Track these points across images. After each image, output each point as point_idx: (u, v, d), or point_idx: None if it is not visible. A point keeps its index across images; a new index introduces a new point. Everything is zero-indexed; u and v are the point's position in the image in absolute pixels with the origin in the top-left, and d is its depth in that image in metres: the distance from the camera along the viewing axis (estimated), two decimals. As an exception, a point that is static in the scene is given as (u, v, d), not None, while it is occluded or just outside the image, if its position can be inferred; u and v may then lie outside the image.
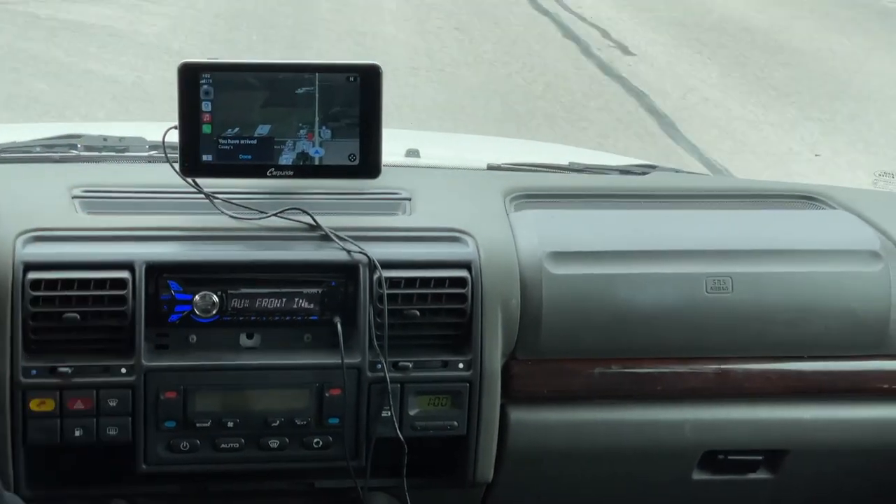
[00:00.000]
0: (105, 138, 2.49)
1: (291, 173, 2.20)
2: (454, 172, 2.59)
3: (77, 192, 2.22)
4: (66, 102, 7.17)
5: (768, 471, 2.37)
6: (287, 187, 2.24)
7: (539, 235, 2.25)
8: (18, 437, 2.06)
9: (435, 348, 2.17)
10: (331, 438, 2.15)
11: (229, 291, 2.11)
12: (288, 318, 2.13)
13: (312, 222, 2.16)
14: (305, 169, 2.20)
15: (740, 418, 2.33)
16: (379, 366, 2.12)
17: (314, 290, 2.13)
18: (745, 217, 2.43)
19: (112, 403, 2.07)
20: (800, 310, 2.28)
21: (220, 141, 2.17)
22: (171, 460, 2.12)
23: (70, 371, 2.06)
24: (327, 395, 2.13)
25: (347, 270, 2.13)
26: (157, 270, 2.08)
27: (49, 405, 2.06)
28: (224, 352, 2.12)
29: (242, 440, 2.13)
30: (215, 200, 2.18)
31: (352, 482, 2.19)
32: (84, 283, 2.05)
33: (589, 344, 2.25)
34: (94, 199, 2.21)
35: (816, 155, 6.45)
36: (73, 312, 2.04)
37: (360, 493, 2.20)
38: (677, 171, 2.75)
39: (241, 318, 2.12)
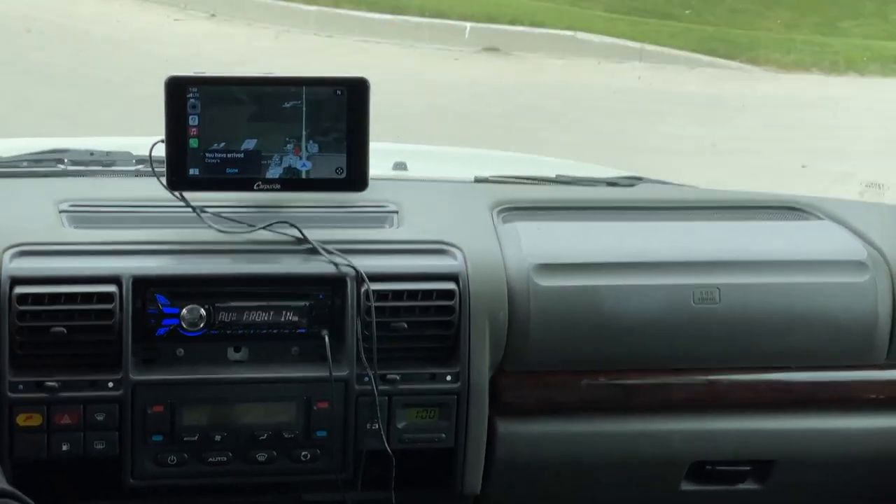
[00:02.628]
0: (92, 153, 2.48)
1: (279, 187, 2.20)
2: (441, 185, 2.59)
3: (64, 206, 2.22)
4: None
5: (756, 481, 2.38)
6: (274, 201, 2.24)
7: (526, 247, 2.25)
8: (5, 452, 2.06)
9: (423, 361, 2.17)
10: (318, 451, 2.15)
11: (217, 305, 2.11)
12: (275, 331, 2.13)
13: (300, 235, 2.16)
14: (293, 182, 2.20)
15: (728, 429, 2.33)
16: (367, 378, 2.12)
17: (302, 304, 2.13)
18: (733, 228, 2.43)
19: (99, 418, 2.07)
20: (787, 320, 2.28)
21: (207, 155, 2.17)
22: (159, 474, 2.12)
23: (57, 385, 2.05)
24: (315, 408, 2.13)
25: (335, 283, 2.13)
26: (144, 284, 2.08)
27: (36, 420, 2.05)
28: (211, 365, 2.12)
29: (230, 454, 2.13)
30: (202, 214, 2.18)
31: (340, 495, 2.19)
32: (71, 298, 2.05)
33: (577, 356, 2.25)
34: (80, 214, 2.21)
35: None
36: (59, 327, 2.03)
37: None
38: (664, 182, 2.75)
39: (228, 332, 2.12)
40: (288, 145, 2.19)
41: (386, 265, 2.16)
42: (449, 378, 2.17)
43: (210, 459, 2.12)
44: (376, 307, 2.11)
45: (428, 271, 2.17)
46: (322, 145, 2.20)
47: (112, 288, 2.06)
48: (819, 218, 2.47)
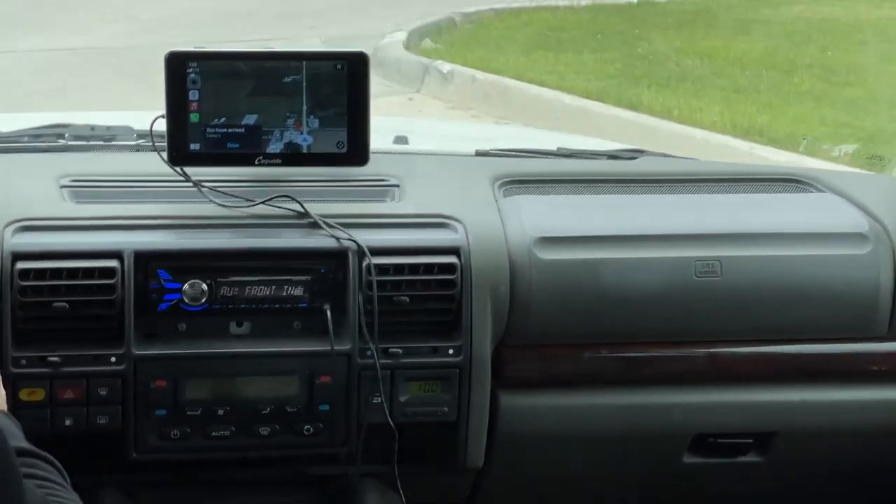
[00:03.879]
0: (93, 127, 2.48)
1: (279, 161, 2.20)
2: (442, 159, 2.59)
3: (65, 181, 2.22)
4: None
5: (758, 453, 2.38)
6: (275, 175, 2.24)
7: (528, 221, 2.25)
8: None
9: (425, 334, 2.18)
10: (321, 425, 2.15)
11: (218, 279, 2.11)
12: (277, 305, 2.13)
13: (301, 210, 2.16)
14: (294, 157, 2.20)
15: (730, 401, 2.33)
16: (369, 352, 2.12)
17: (303, 278, 2.13)
18: (734, 200, 2.43)
19: (102, 392, 2.08)
20: (788, 293, 2.28)
21: (208, 129, 2.17)
22: (162, 448, 2.12)
23: (60, 360, 2.06)
24: (317, 382, 2.13)
25: (336, 257, 2.13)
26: (145, 259, 2.08)
27: (39, 394, 2.06)
28: (214, 340, 2.12)
29: (233, 428, 2.13)
30: (203, 189, 2.18)
31: (343, 469, 2.19)
32: (73, 273, 2.05)
33: (578, 329, 2.25)
34: (82, 189, 2.21)
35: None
36: (62, 302, 2.04)
37: (351, 479, 2.21)
38: (666, 155, 2.75)
39: (230, 306, 2.12)
40: (289, 120, 2.19)
41: (387, 239, 2.16)
42: (451, 352, 2.17)
43: (213, 433, 2.13)
44: (378, 281, 2.11)
45: (429, 245, 2.17)
46: (323, 120, 2.19)
47: (114, 263, 2.06)
48: (820, 190, 2.47)
